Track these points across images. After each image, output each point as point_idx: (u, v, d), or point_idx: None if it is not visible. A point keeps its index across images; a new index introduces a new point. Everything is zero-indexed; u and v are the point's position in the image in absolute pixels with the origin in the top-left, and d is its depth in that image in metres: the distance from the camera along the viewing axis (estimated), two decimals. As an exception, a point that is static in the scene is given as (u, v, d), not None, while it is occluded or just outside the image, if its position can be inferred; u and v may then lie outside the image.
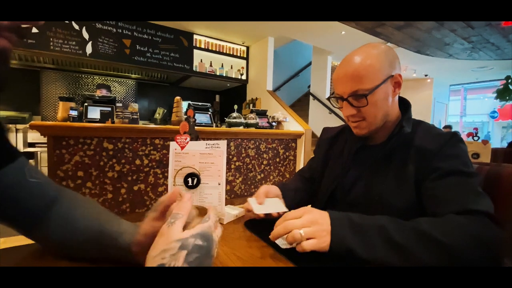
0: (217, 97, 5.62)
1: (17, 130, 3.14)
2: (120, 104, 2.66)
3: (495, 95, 5.34)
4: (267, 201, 0.72)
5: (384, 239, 0.46)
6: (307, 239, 0.47)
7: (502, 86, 5.18)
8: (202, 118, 2.96)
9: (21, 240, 0.49)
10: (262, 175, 3.01)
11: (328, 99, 0.72)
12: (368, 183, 0.68)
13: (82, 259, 0.45)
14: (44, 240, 0.46)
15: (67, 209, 0.46)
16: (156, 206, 0.39)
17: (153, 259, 0.32)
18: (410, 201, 0.61)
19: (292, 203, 0.79)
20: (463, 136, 0.65)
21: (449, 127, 5.82)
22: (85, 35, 3.49)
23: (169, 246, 0.32)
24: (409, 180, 0.62)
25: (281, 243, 0.55)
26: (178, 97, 2.67)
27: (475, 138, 2.12)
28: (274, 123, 3.42)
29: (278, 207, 0.71)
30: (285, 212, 0.70)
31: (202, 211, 0.43)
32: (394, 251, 0.45)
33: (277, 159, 3.12)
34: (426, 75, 7.00)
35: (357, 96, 0.63)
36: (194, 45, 4.37)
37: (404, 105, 0.71)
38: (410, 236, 0.46)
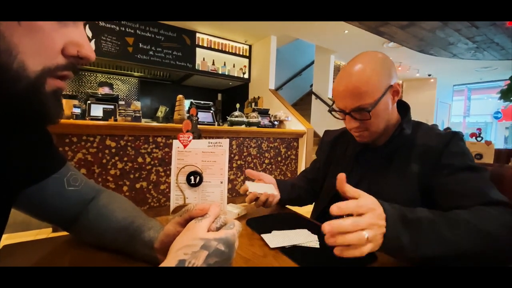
0: (219, 96, 5.62)
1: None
2: (123, 102, 2.67)
3: (499, 95, 5.30)
4: (261, 185, 0.78)
5: (437, 235, 0.44)
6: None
7: (506, 87, 5.14)
8: (204, 116, 2.96)
9: (26, 237, 0.50)
10: (264, 174, 3.01)
11: (330, 111, 0.72)
12: (371, 183, 0.70)
13: (112, 250, 0.48)
14: (80, 233, 0.50)
15: (106, 202, 0.51)
16: (183, 213, 0.40)
17: (176, 252, 0.33)
18: (412, 198, 0.62)
19: (289, 197, 0.82)
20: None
21: (448, 129, 5.78)
22: (88, 33, 3.50)
23: (193, 242, 0.33)
24: (412, 177, 0.63)
25: (271, 241, 0.55)
26: (180, 96, 2.67)
27: (479, 139, 2.11)
28: (276, 122, 3.41)
29: (270, 189, 0.76)
30: (275, 194, 0.76)
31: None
32: (444, 246, 0.44)
33: (279, 158, 3.12)
34: (429, 75, 6.95)
35: (359, 110, 0.64)
36: (196, 43, 4.37)
37: (404, 107, 0.73)
38: (460, 229, 0.45)
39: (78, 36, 0.32)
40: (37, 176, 0.44)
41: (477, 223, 0.45)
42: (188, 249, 0.32)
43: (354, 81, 0.62)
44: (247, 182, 0.76)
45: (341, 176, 0.44)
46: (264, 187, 0.77)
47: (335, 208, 0.40)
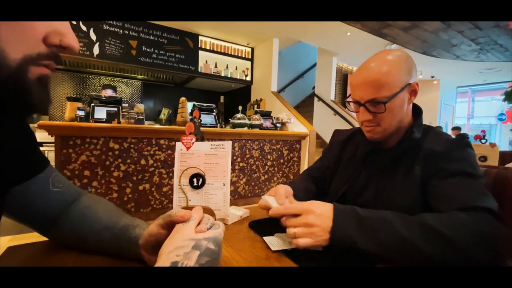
0: (222, 98, 5.64)
1: (25, 130, 3.17)
2: (126, 105, 2.68)
3: (503, 97, 5.26)
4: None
5: (389, 232, 0.47)
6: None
7: (510, 88, 5.10)
8: (206, 119, 2.97)
9: (29, 238, 0.51)
10: (266, 176, 3.01)
11: (344, 102, 0.74)
12: (378, 185, 0.70)
13: (94, 251, 0.47)
14: (60, 235, 0.49)
15: (88, 204, 0.51)
16: (165, 217, 0.40)
17: (167, 255, 0.33)
18: (416, 201, 0.62)
19: None
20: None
21: (458, 128, 5.71)
22: (93, 36, 3.54)
23: (184, 244, 0.33)
24: (415, 181, 0.63)
25: (274, 244, 0.55)
26: (183, 98, 2.69)
27: (483, 141, 2.10)
28: (278, 124, 3.42)
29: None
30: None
31: (206, 211, 0.43)
32: (399, 244, 0.46)
33: (281, 160, 3.12)
34: (432, 77, 6.93)
35: (375, 102, 0.63)
36: (199, 46, 4.40)
37: (416, 111, 0.72)
38: (415, 229, 0.47)
39: (61, 25, 0.31)
40: (24, 174, 0.44)
41: (440, 227, 0.46)
42: (179, 250, 0.33)
43: (373, 72, 0.62)
44: (268, 198, 0.68)
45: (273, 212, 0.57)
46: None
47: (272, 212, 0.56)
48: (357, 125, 0.75)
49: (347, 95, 5.86)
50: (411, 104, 0.70)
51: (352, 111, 0.72)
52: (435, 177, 0.60)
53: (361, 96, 0.65)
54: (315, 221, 0.50)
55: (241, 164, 2.82)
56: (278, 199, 0.68)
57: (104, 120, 2.42)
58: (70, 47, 0.32)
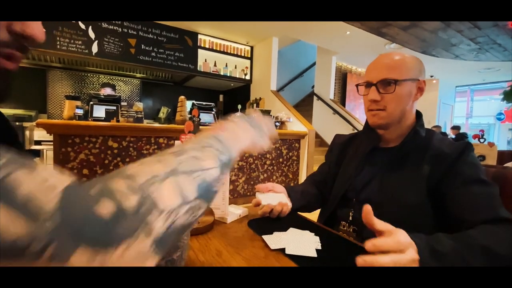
0: (221, 97, 5.63)
1: (24, 128, 3.18)
2: (125, 103, 2.68)
3: (501, 96, 5.28)
4: (272, 195, 0.76)
5: (462, 263, 0.45)
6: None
7: (509, 88, 5.12)
8: (206, 117, 2.97)
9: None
10: (265, 175, 3.01)
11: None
12: (382, 181, 0.71)
13: None
14: None
15: None
16: None
17: None
18: (421, 198, 0.64)
19: (299, 205, 0.82)
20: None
21: (457, 127, 5.72)
22: (91, 34, 3.52)
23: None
24: (422, 179, 0.65)
25: (272, 242, 0.56)
26: (182, 97, 2.68)
27: (481, 140, 2.10)
28: (277, 123, 3.41)
29: (282, 199, 0.75)
30: (288, 203, 0.75)
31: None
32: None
33: (280, 159, 3.12)
34: (431, 76, 6.93)
35: (386, 82, 0.68)
36: (198, 44, 4.38)
37: (416, 114, 0.76)
38: (481, 258, 0.46)
39: None
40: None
41: (496, 248, 0.46)
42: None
43: (389, 58, 0.70)
44: (257, 194, 0.76)
45: (367, 208, 0.42)
46: (276, 197, 0.76)
47: (370, 247, 0.39)
48: (356, 125, 0.76)
49: (347, 94, 5.91)
50: (415, 105, 0.73)
51: (361, 95, 0.76)
52: (453, 183, 0.61)
53: (375, 76, 0.69)
54: (415, 256, 0.42)
55: (240, 163, 2.82)
56: (262, 188, 0.78)
57: (103, 118, 2.41)
58: (31, 37, 0.30)
